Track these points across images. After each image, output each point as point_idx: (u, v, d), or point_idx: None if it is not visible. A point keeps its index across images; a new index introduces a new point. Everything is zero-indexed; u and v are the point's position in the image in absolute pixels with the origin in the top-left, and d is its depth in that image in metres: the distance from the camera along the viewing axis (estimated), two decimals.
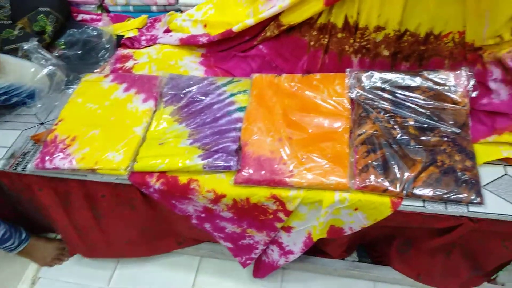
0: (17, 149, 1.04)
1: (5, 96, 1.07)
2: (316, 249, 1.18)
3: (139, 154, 0.94)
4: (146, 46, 1.25)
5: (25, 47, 1.12)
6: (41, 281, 1.34)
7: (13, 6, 1.24)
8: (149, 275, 1.30)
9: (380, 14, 0.90)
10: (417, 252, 1.09)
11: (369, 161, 0.83)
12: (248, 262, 1.13)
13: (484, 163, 0.84)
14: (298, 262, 1.20)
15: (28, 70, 1.10)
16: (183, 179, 0.90)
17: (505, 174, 0.84)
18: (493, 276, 1.11)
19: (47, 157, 0.95)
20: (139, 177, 0.92)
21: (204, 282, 1.28)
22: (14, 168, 0.99)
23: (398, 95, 0.91)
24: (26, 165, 0.99)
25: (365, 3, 0.90)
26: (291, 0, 0.93)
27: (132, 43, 1.27)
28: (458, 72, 0.89)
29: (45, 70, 1.11)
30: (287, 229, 0.97)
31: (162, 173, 0.92)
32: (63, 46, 1.28)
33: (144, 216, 1.08)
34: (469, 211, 0.79)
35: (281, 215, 0.91)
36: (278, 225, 0.94)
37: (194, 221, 1.01)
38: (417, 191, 0.80)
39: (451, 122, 0.87)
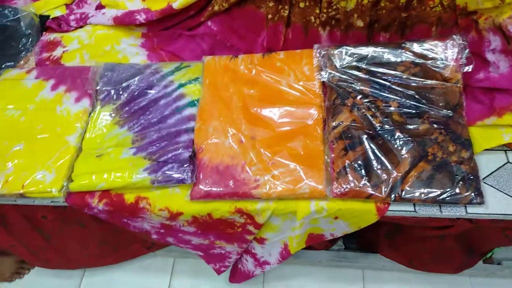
0: None
1: None
2: None
3: (74, 171, 0.78)
4: (76, 28, 1.03)
5: None
6: None
7: None
8: (121, 281, 1.19)
9: None
10: (407, 238, 0.99)
11: (348, 161, 0.70)
12: (222, 269, 1.02)
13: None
14: None
15: None
16: (129, 197, 0.76)
17: (507, 162, 0.71)
18: (489, 254, 1.03)
19: None
20: (78, 198, 0.77)
21: (180, 284, 1.18)
22: None
23: (378, 74, 0.75)
24: None
25: None
26: None
27: (60, 24, 1.05)
28: (448, 41, 0.72)
29: None
30: (260, 240, 0.85)
31: (104, 192, 0.77)
32: None
33: (99, 231, 0.95)
34: (467, 213, 0.67)
35: (250, 228, 0.78)
36: (249, 237, 0.82)
37: (154, 236, 0.87)
38: (406, 195, 0.67)
39: (441, 104, 0.72)
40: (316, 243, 0.83)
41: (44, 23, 1.06)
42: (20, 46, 1.02)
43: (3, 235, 0.96)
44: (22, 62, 1.01)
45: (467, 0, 0.69)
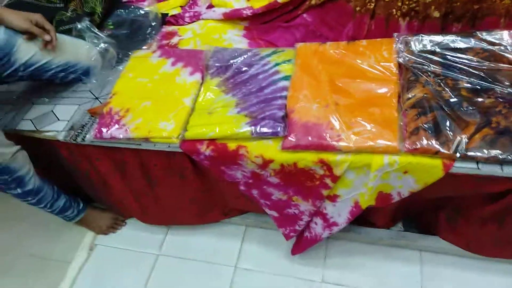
0: (75, 122, 1.11)
1: (63, 73, 1.14)
2: (360, 220, 1.19)
3: (189, 123, 0.98)
4: (190, 23, 1.28)
5: (78, 27, 1.19)
6: (98, 248, 1.43)
7: None
8: (198, 243, 1.36)
9: None
10: (467, 221, 1.06)
11: (420, 124, 0.83)
12: (291, 234, 1.14)
13: None
14: (341, 232, 1.21)
15: (83, 48, 1.16)
16: (232, 145, 0.94)
17: None
18: None
19: (104, 128, 1.02)
20: (190, 145, 0.96)
21: (250, 251, 1.32)
22: (74, 138, 1.06)
23: (449, 57, 0.88)
24: (85, 136, 1.05)
25: None
26: None
27: (177, 20, 1.31)
28: None
29: (98, 48, 1.17)
30: (333, 198, 0.98)
31: (211, 141, 0.95)
32: (111, 26, 1.33)
33: (193, 186, 1.13)
34: None
35: (328, 181, 0.92)
36: (325, 192, 0.95)
37: (242, 187, 1.04)
38: (471, 153, 0.78)
39: (507, 83, 0.83)
40: (384, 205, 0.95)
41: (164, 19, 1.32)
42: (146, 34, 1.28)
43: (119, 181, 1.18)
44: (146, 47, 1.27)
45: None
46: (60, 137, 1.08)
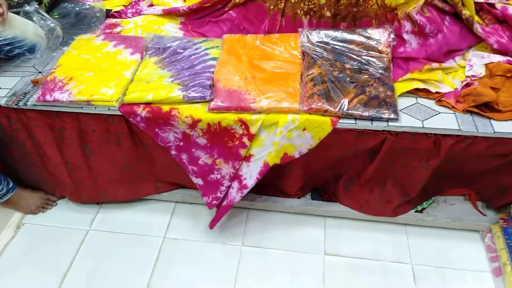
0: (18, 90, 1.20)
1: (9, 47, 1.24)
2: (275, 190, 1.39)
3: (128, 89, 1.13)
4: (131, 17, 1.45)
5: (26, 8, 1.30)
6: (25, 226, 1.45)
7: None
8: (129, 218, 1.45)
9: None
10: (359, 188, 1.32)
11: (315, 91, 1.07)
12: (214, 202, 1.29)
13: (401, 94, 1.10)
14: (259, 202, 1.40)
15: (30, 26, 1.27)
16: (165, 108, 1.10)
17: (416, 103, 1.10)
18: (420, 208, 1.35)
19: (47, 92, 1.12)
20: (128, 108, 1.11)
21: (178, 223, 1.44)
22: (16, 103, 1.15)
23: (338, 47, 1.16)
24: (27, 101, 1.15)
25: None
26: None
27: (120, 14, 1.47)
28: (382, 29, 1.16)
29: (45, 27, 1.28)
30: (248, 158, 1.16)
31: (148, 104, 1.11)
32: (57, 16, 1.46)
33: (129, 152, 1.25)
34: (388, 125, 1.03)
35: (245, 140, 1.12)
36: (242, 152, 1.14)
37: (173, 152, 1.19)
38: (350, 111, 1.03)
39: (377, 66, 1.12)
40: (287, 161, 1.15)
41: (108, 14, 1.48)
42: (91, 23, 1.42)
43: (55, 151, 1.26)
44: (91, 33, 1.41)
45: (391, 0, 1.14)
46: (2, 102, 1.16)
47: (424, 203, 1.35)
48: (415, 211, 1.35)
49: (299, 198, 1.42)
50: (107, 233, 1.42)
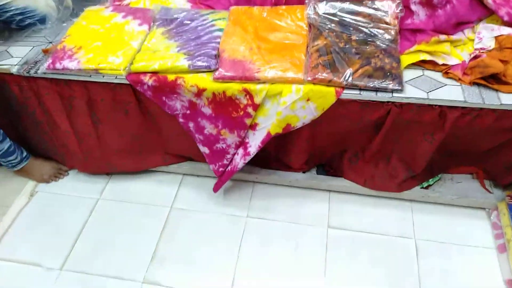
0: (29, 58, 1.22)
1: (20, 17, 1.26)
2: (280, 164, 1.41)
3: (135, 59, 1.15)
4: None
5: None
6: (38, 194, 1.50)
7: None
8: (138, 188, 1.49)
9: None
10: (364, 163, 1.32)
11: (320, 61, 1.07)
12: (220, 169, 1.32)
13: (408, 66, 1.09)
14: (266, 175, 1.42)
15: None
16: (171, 77, 1.12)
17: (423, 75, 1.08)
18: (426, 184, 1.35)
19: (57, 61, 1.15)
20: (135, 76, 1.13)
21: (185, 194, 1.47)
22: (27, 71, 1.18)
23: (345, 18, 1.15)
24: (38, 69, 1.18)
25: None
26: None
27: None
28: (390, 0, 1.14)
29: None
30: (254, 126, 1.18)
31: (154, 73, 1.13)
32: None
33: (137, 121, 1.28)
34: (393, 96, 1.02)
35: (250, 110, 1.12)
36: (248, 121, 1.16)
37: (180, 119, 1.21)
38: (355, 82, 1.03)
39: (384, 38, 1.11)
40: (288, 131, 1.15)
41: None
42: None
43: (65, 120, 1.29)
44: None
45: None
46: (14, 70, 1.19)
47: (430, 180, 1.34)
48: (421, 187, 1.35)
49: (304, 172, 1.43)
50: (116, 202, 1.46)
